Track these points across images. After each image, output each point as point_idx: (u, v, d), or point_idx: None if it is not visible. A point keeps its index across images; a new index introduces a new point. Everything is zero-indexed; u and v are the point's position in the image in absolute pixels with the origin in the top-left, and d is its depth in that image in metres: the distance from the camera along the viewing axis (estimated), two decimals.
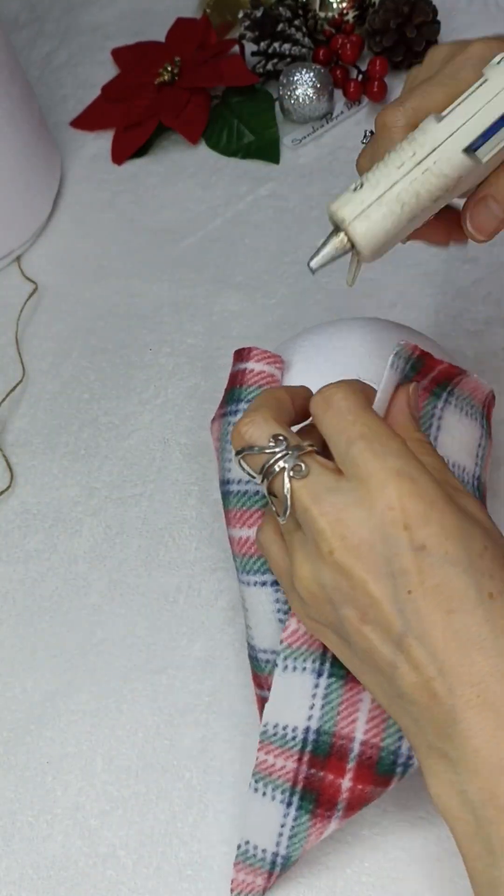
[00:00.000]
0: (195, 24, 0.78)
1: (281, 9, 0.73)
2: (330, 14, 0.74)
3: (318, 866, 0.42)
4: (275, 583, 0.41)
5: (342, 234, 0.35)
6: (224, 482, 0.44)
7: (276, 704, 0.40)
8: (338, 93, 0.73)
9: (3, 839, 0.46)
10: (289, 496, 0.34)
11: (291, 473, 0.34)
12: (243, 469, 0.36)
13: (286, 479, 0.34)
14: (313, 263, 0.36)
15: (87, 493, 0.56)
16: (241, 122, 0.72)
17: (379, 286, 0.61)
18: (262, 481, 0.35)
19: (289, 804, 0.40)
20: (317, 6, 0.74)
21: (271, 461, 0.34)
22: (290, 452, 0.34)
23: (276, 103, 0.73)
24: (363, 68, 0.72)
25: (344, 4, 0.74)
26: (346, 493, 0.33)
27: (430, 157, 0.34)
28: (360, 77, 0.71)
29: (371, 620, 0.32)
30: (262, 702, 0.42)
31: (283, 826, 0.40)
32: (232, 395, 0.45)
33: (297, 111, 0.71)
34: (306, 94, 0.70)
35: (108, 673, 0.50)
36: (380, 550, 0.32)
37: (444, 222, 0.39)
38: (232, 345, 0.60)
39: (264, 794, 0.41)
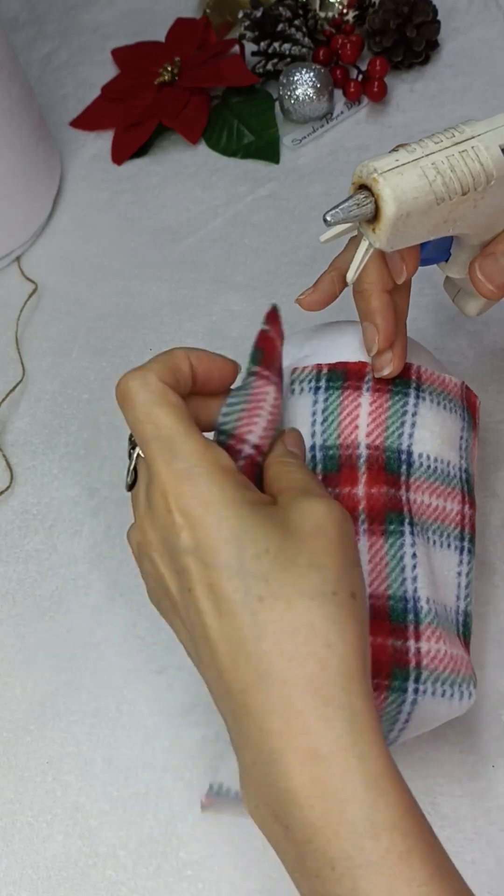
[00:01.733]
0: (195, 24, 0.78)
1: (281, 9, 0.73)
2: (330, 14, 0.74)
3: None
4: None
5: (367, 193, 0.35)
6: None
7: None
8: (338, 93, 0.73)
9: (3, 839, 0.46)
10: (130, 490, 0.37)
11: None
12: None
13: (130, 474, 0.37)
14: (329, 216, 0.35)
15: (87, 494, 0.56)
16: (241, 122, 0.72)
17: None
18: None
19: None
20: (317, 6, 0.74)
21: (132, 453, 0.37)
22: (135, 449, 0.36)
23: (276, 103, 0.73)
24: (363, 68, 0.72)
25: (344, 4, 0.74)
26: (141, 493, 0.35)
27: (468, 141, 0.35)
28: (360, 77, 0.71)
29: (179, 611, 0.34)
30: None
31: None
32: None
33: (297, 111, 0.71)
34: (306, 94, 0.70)
35: (108, 673, 0.50)
36: (166, 550, 0.33)
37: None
38: (232, 345, 0.60)
39: None
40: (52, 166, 0.71)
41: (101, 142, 0.75)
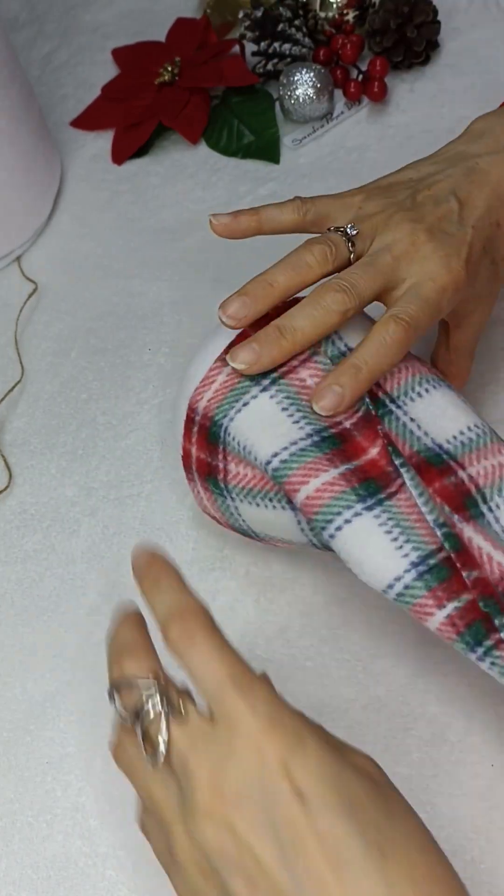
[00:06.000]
0: (195, 24, 0.78)
1: (281, 9, 0.73)
2: (330, 14, 0.74)
3: None
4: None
5: None
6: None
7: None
8: (338, 93, 0.73)
9: (3, 839, 0.46)
10: (164, 744, 0.31)
11: (171, 717, 0.31)
12: (114, 704, 0.33)
13: (163, 725, 0.31)
14: None
15: (85, 493, 0.56)
16: (241, 122, 0.72)
17: None
18: (134, 723, 0.32)
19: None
20: (317, 6, 0.74)
21: (149, 702, 0.32)
22: (167, 694, 0.32)
23: (277, 103, 0.73)
24: (363, 68, 0.72)
25: (344, 4, 0.74)
26: (221, 743, 0.30)
27: None
28: (361, 77, 0.71)
29: (262, 890, 0.29)
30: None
31: None
32: None
33: (298, 111, 0.71)
34: (306, 94, 0.70)
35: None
36: (259, 801, 0.29)
37: None
38: None
39: None
40: (52, 166, 0.71)
41: (101, 142, 0.75)
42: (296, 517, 0.42)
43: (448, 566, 0.37)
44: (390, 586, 0.38)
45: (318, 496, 0.39)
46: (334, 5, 0.74)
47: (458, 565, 0.37)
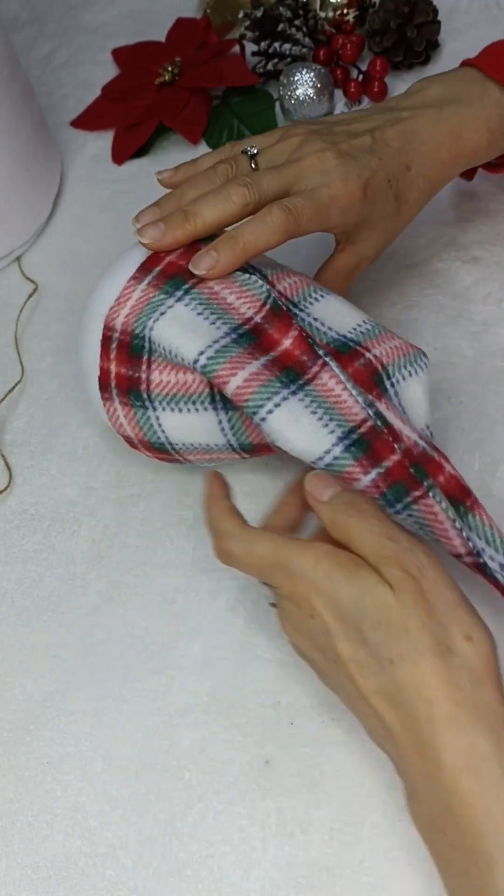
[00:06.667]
0: (195, 24, 0.78)
1: (281, 9, 0.73)
2: (330, 14, 0.74)
3: (317, 866, 0.42)
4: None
5: None
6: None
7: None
8: (338, 93, 0.73)
9: (3, 839, 0.46)
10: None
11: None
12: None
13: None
14: None
15: (85, 493, 0.56)
16: (241, 122, 0.72)
17: (379, 286, 0.61)
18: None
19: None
20: (317, 6, 0.74)
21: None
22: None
23: (277, 103, 0.73)
24: (363, 68, 0.72)
25: (344, 4, 0.74)
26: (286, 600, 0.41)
27: None
28: (361, 77, 0.71)
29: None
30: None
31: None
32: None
33: (298, 111, 0.71)
34: (307, 94, 0.70)
35: (108, 673, 0.49)
36: (309, 633, 0.40)
37: None
38: None
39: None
40: (52, 166, 0.71)
41: (101, 142, 0.75)
42: (217, 416, 0.46)
43: (369, 438, 0.43)
44: (320, 458, 0.43)
45: (246, 385, 0.44)
46: (334, 5, 0.74)
47: (391, 439, 0.43)
